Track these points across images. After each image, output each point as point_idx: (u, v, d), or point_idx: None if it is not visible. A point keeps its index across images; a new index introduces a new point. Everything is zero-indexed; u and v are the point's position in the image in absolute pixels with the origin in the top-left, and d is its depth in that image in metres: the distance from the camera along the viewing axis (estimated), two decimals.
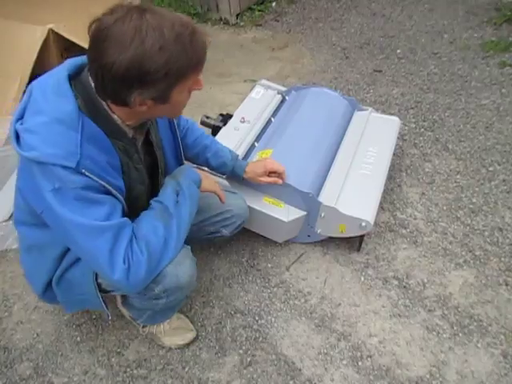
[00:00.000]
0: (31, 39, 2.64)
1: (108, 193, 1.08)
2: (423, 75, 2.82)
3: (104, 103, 1.06)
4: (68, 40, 2.64)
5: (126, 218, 1.12)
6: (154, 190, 1.32)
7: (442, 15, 3.44)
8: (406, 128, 2.42)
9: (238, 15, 3.56)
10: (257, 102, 2.07)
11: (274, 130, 1.91)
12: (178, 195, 1.24)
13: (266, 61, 3.08)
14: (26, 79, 2.58)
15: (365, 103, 2.61)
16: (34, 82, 1.06)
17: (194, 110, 2.66)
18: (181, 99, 1.08)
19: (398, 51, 3.07)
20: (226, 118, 2.01)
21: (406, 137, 2.37)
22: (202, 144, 1.60)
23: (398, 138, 2.20)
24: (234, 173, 1.67)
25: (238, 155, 1.68)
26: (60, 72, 1.05)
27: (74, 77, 1.06)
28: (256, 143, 1.88)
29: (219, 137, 1.89)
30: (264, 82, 2.19)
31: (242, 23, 3.55)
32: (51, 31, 2.62)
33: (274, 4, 3.74)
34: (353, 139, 1.92)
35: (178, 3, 3.79)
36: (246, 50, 3.23)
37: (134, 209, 1.20)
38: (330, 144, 1.87)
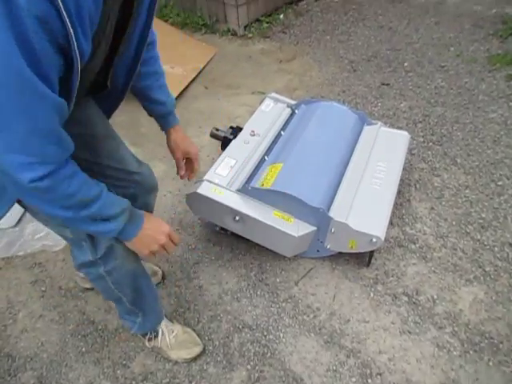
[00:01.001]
0: None
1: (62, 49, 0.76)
2: (431, 88, 2.83)
3: None
4: None
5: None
6: (107, 63, 1.05)
7: (448, 28, 3.45)
8: (415, 142, 2.42)
9: (245, 27, 3.58)
10: (266, 115, 2.07)
11: (284, 144, 1.91)
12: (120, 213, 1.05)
13: (274, 73, 3.10)
14: None
15: (373, 117, 2.61)
16: None
17: (202, 121, 2.67)
18: None
19: (406, 64, 3.08)
20: (235, 130, 2.01)
21: (415, 151, 2.37)
22: (155, 66, 1.34)
23: (407, 152, 2.20)
24: (162, 120, 1.42)
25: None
26: None
27: None
28: (266, 157, 1.88)
29: (229, 150, 1.89)
30: (273, 95, 2.19)
31: (249, 35, 3.57)
32: None
33: (281, 16, 3.77)
34: (362, 154, 1.92)
35: (186, 14, 3.81)
36: (253, 62, 3.24)
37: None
38: (339, 158, 1.87)
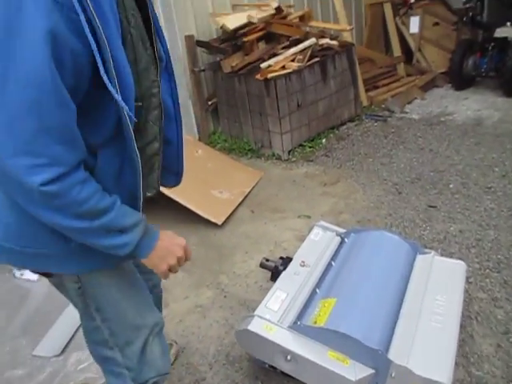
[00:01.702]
0: None
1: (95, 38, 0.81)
2: (480, 211, 2.79)
3: None
4: None
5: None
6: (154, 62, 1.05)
7: (489, 149, 3.50)
8: (470, 269, 2.32)
9: (289, 151, 3.77)
10: (316, 245, 2.07)
11: (335, 276, 1.87)
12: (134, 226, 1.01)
13: (319, 196, 3.17)
14: None
15: (422, 241, 2.56)
16: None
17: (249, 245, 2.70)
18: None
19: (451, 186, 3.09)
20: (286, 261, 2.01)
21: (471, 279, 2.26)
22: None
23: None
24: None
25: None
26: None
27: None
28: (317, 289, 1.84)
29: (280, 282, 1.87)
30: (322, 223, 2.21)
31: (293, 159, 3.73)
32: None
33: (323, 140, 3.96)
34: (418, 287, 1.85)
35: (233, 140, 4.07)
36: (298, 185, 3.35)
37: (141, 91, 0.98)
38: (394, 292, 1.80)
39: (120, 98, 0.87)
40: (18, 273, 2.54)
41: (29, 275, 2.52)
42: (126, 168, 1.02)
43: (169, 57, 1.17)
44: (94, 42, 0.81)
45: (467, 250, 2.47)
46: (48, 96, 0.80)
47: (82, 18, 0.78)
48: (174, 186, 1.38)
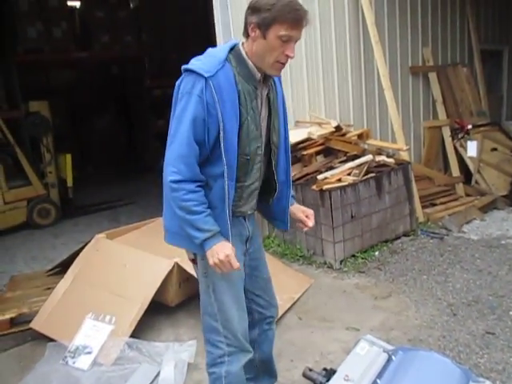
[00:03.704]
0: (158, 269, 2.99)
1: (215, 123, 1.61)
2: None
3: (244, 53, 1.67)
4: (188, 272, 2.93)
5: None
6: (267, 152, 1.82)
7: None
8: None
9: (341, 261, 3.78)
10: (361, 359, 2.01)
11: None
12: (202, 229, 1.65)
13: (370, 309, 3.10)
14: (147, 304, 2.83)
15: (478, 369, 2.40)
16: (210, 49, 1.76)
17: (294, 354, 2.65)
18: (273, 42, 1.59)
19: (511, 313, 2.93)
20: (329, 373, 1.96)
21: None
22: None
23: None
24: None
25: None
26: (225, 45, 1.74)
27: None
28: None
29: None
30: (369, 337, 2.16)
31: (345, 268, 3.73)
32: (176, 264, 2.96)
33: (376, 253, 3.95)
34: None
35: (286, 245, 4.17)
36: (348, 296, 3.31)
37: (249, 150, 1.71)
38: None
39: (223, 157, 1.63)
40: (71, 361, 2.61)
41: (80, 364, 2.58)
42: (229, 194, 1.69)
43: (287, 144, 1.91)
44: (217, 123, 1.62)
45: None
46: (186, 141, 1.61)
47: (217, 111, 1.60)
48: (285, 229, 2.04)
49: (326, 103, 4.75)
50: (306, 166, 4.07)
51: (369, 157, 4.02)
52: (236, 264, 1.66)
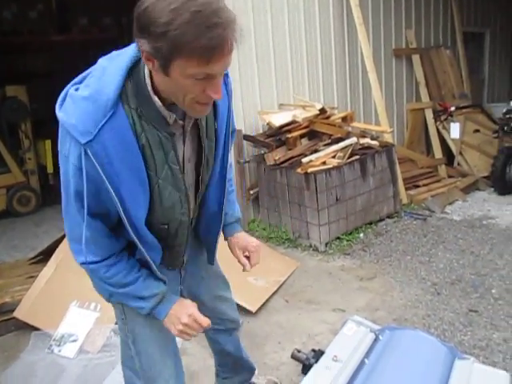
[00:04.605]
0: None
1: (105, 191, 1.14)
2: None
3: (149, 85, 1.09)
4: None
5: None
6: (196, 189, 1.38)
7: None
8: None
9: (326, 243, 3.80)
10: (349, 340, 2.02)
11: (368, 375, 1.81)
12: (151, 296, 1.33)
13: (355, 290, 3.13)
14: None
15: (463, 346, 2.45)
16: (104, 57, 1.16)
17: (282, 336, 2.66)
18: (182, 82, 1.03)
19: (493, 291, 2.99)
20: (318, 354, 1.96)
21: None
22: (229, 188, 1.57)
23: None
24: (224, 228, 1.64)
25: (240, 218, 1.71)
26: (126, 54, 1.12)
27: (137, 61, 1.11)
28: None
29: (310, 374, 1.82)
30: (356, 317, 2.17)
31: (330, 251, 3.75)
32: None
33: (361, 235, 3.98)
34: None
35: (271, 228, 4.17)
36: (334, 278, 3.33)
37: (167, 219, 1.30)
38: None
39: (129, 230, 1.23)
40: (56, 349, 2.57)
41: (66, 352, 2.55)
42: (151, 258, 1.35)
43: (224, 174, 1.44)
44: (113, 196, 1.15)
45: None
46: (80, 223, 1.20)
47: (105, 185, 1.13)
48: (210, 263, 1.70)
49: (310, 86, 4.73)
50: (290, 149, 4.05)
51: (353, 139, 4.02)
52: (206, 321, 1.34)
